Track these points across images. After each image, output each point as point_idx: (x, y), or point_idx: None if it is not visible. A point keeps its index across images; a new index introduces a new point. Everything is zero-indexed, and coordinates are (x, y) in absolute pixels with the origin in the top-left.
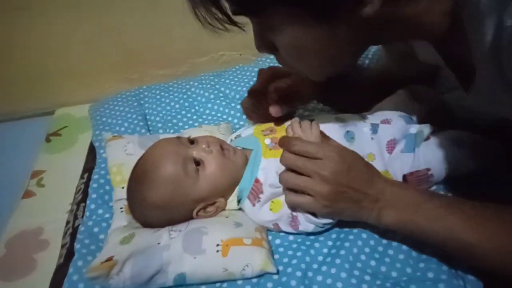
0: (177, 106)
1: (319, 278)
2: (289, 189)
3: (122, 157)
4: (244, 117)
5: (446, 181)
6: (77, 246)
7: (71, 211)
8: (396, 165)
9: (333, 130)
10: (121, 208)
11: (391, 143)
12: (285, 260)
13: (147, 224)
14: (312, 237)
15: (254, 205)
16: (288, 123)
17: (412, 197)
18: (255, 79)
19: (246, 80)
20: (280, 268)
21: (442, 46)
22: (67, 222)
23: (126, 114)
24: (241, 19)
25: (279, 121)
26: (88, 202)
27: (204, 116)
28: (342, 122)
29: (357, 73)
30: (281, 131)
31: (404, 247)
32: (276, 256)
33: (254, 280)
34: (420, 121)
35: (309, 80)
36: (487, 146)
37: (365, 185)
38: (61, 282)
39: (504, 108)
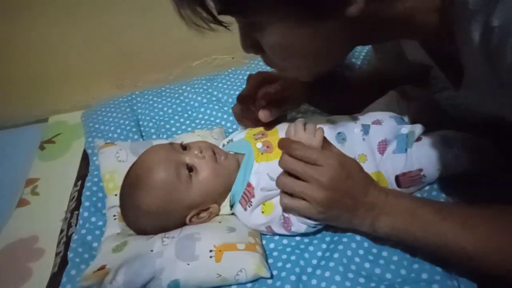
0: (170, 111)
1: (314, 281)
2: (285, 192)
3: (114, 164)
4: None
5: (438, 181)
6: (70, 254)
7: (65, 219)
8: (388, 166)
9: (324, 131)
10: (114, 215)
11: (383, 143)
12: (279, 264)
13: (140, 231)
14: (306, 240)
15: (245, 209)
16: (280, 126)
17: (406, 205)
18: None
19: (239, 83)
20: (274, 272)
21: (430, 45)
22: (61, 231)
23: (119, 121)
24: (227, 19)
25: (269, 125)
26: (81, 210)
27: (197, 121)
28: (333, 123)
29: (348, 74)
30: (272, 134)
31: (398, 249)
32: (270, 261)
33: (248, 285)
34: (412, 122)
35: (298, 83)
36: (479, 145)
37: (360, 194)
38: None
39: (495, 106)
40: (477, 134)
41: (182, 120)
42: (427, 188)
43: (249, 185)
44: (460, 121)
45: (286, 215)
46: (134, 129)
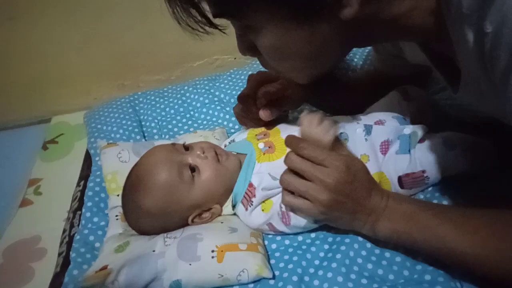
0: (172, 111)
1: (316, 282)
2: (287, 190)
3: (116, 164)
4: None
5: (441, 182)
6: (72, 255)
7: (67, 219)
8: (390, 166)
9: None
10: (116, 215)
11: (385, 144)
12: (281, 265)
13: (142, 231)
14: (308, 241)
15: (246, 209)
16: (282, 126)
17: (406, 208)
18: None
19: (240, 84)
20: (276, 273)
21: (429, 47)
22: (64, 231)
23: (121, 121)
24: (222, 21)
25: (271, 125)
26: (83, 210)
27: (199, 121)
28: (336, 123)
29: (348, 74)
30: (274, 135)
31: (401, 250)
32: (272, 261)
33: (250, 286)
34: (414, 122)
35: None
36: (480, 146)
37: (363, 197)
38: None
39: (492, 107)
40: (476, 133)
41: (184, 120)
42: (430, 189)
43: (250, 185)
44: (460, 121)
45: (284, 209)
46: (136, 130)
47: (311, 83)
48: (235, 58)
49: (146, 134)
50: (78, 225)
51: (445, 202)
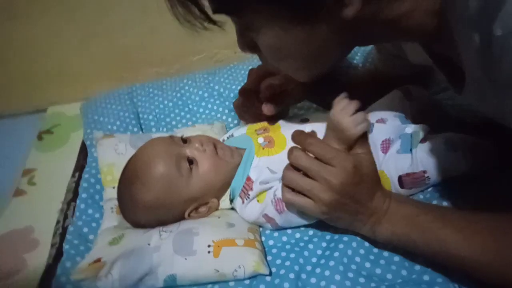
0: (170, 104)
1: (313, 280)
2: (286, 186)
3: (113, 156)
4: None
5: (441, 183)
6: (66, 246)
7: (61, 211)
8: (391, 165)
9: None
10: (111, 208)
11: (386, 142)
12: (278, 261)
13: (137, 224)
14: (306, 238)
15: (243, 202)
16: (282, 121)
17: (407, 211)
18: None
19: (240, 78)
20: (273, 269)
21: (431, 47)
22: (57, 222)
23: (118, 113)
24: (222, 17)
25: (271, 120)
26: (78, 201)
27: (198, 115)
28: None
29: (350, 73)
30: (274, 130)
31: (400, 250)
32: (269, 258)
33: (247, 282)
34: (415, 121)
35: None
36: (481, 147)
37: (367, 199)
38: (50, 283)
39: (494, 111)
40: (476, 134)
41: (182, 114)
42: (430, 189)
43: (248, 179)
44: (461, 121)
45: (277, 196)
46: (133, 122)
47: (312, 81)
48: (235, 53)
49: (143, 127)
50: (72, 216)
51: (445, 203)
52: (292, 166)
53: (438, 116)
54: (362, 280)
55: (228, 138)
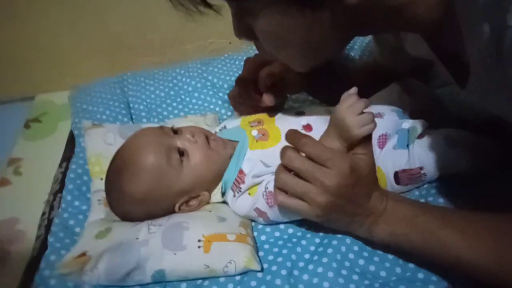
0: (162, 94)
1: (305, 277)
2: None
3: (101, 146)
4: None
5: (438, 180)
6: (50, 239)
7: (47, 202)
8: (387, 161)
9: (323, 122)
10: (99, 200)
11: (383, 137)
12: (270, 257)
13: (125, 217)
14: (299, 234)
15: (234, 195)
16: (277, 114)
17: (405, 211)
18: None
19: (235, 69)
20: (265, 265)
21: (434, 40)
22: (43, 213)
23: (108, 102)
24: (218, 2)
25: (267, 112)
26: (64, 193)
27: (190, 106)
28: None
29: (348, 65)
30: (269, 122)
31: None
32: (261, 253)
33: (237, 278)
34: (413, 116)
35: None
36: (481, 145)
37: (364, 200)
38: (34, 276)
39: (496, 106)
40: (476, 131)
41: (174, 104)
42: (426, 186)
43: (241, 171)
44: (461, 117)
45: (269, 189)
46: (123, 112)
47: (310, 72)
48: (230, 43)
49: (134, 117)
50: (58, 208)
51: (441, 200)
52: (285, 167)
53: (437, 112)
54: (355, 277)
55: (220, 130)
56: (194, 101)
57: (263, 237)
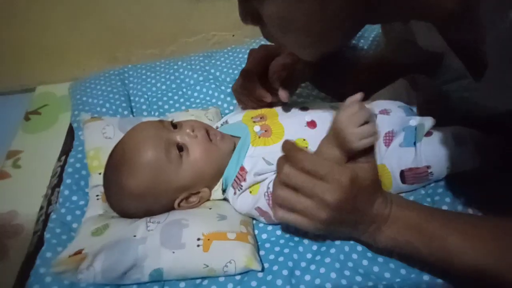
0: (163, 87)
1: (307, 277)
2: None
3: (100, 140)
4: (235, 101)
5: (445, 178)
6: (47, 235)
7: (45, 196)
8: (393, 159)
9: (327, 118)
10: (97, 195)
11: (389, 135)
12: (271, 257)
13: (124, 213)
14: (301, 233)
15: (235, 193)
16: (280, 109)
17: (409, 217)
18: None
19: (238, 62)
20: (266, 265)
21: (448, 30)
22: (41, 208)
23: (108, 94)
24: None
25: (269, 107)
26: (62, 187)
27: (192, 99)
28: (338, 110)
29: (354, 57)
30: (271, 118)
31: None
32: (262, 252)
33: (237, 278)
34: (421, 113)
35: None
36: (488, 144)
37: (366, 208)
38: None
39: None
40: (482, 128)
41: (176, 97)
42: (432, 185)
43: (242, 168)
44: (467, 114)
45: (270, 189)
46: (124, 105)
47: (317, 61)
48: (233, 35)
49: (134, 110)
50: (56, 203)
51: (447, 200)
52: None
53: (443, 108)
54: (359, 278)
55: (222, 124)
56: (195, 94)
57: (264, 236)
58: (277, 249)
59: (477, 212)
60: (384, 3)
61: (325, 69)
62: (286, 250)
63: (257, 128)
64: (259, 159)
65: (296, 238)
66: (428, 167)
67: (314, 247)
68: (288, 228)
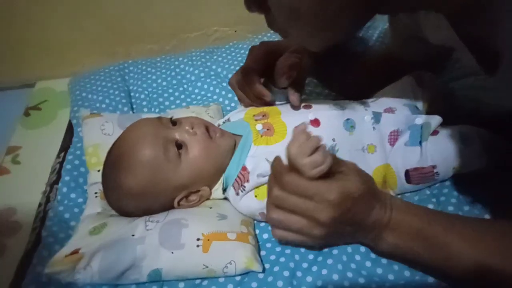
0: (164, 83)
1: (309, 279)
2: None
3: (99, 137)
4: (236, 98)
5: (451, 179)
6: (44, 233)
7: (44, 193)
8: (398, 158)
9: (331, 117)
10: (95, 193)
11: (394, 134)
12: (272, 257)
13: (122, 212)
14: None
15: (237, 194)
16: (283, 107)
17: (412, 222)
18: None
19: (240, 59)
20: (267, 266)
21: (460, 22)
22: (39, 205)
23: (108, 90)
24: None
25: (268, 105)
26: (60, 184)
27: (193, 96)
28: (342, 108)
29: (359, 52)
30: (274, 116)
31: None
32: (263, 253)
33: (238, 279)
34: (427, 112)
35: (307, 51)
36: (497, 143)
37: (363, 217)
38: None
39: None
40: (488, 127)
41: (176, 94)
42: (437, 185)
43: (244, 168)
44: (474, 112)
45: None
46: (124, 101)
47: (322, 52)
48: (235, 31)
49: (134, 106)
50: (55, 200)
51: (453, 200)
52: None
53: (451, 106)
54: (362, 280)
55: (224, 122)
56: (196, 91)
57: (265, 235)
58: (278, 249)
59: (483, 213)
60: None
61: (330, 65)
62: (288, 251)
63: (259, 126)
64: (261, 159)
65: None
66: (433, 167)
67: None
68: None
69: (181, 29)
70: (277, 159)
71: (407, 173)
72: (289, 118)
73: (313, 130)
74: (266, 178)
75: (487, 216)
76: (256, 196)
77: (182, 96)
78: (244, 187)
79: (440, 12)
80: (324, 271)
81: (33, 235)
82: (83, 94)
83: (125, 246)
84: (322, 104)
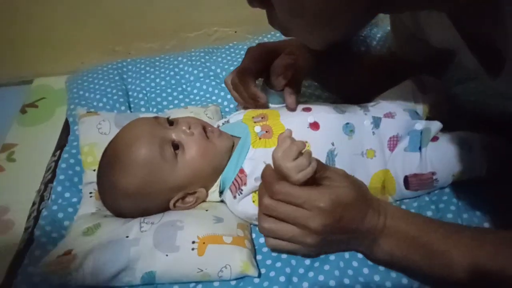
0: (162, 83)
1: (305, 285)
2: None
3: (95, 136)
4: None
5: (450, 185)
6: (37, 233)
7: (38, 191)
8: (397, 164)
9: (330, 121)
10: (90, 192)
11: (394, 139)
12: (269, 262)
13: (117, 213)
14: None
15: (235, 197)
16: (282, 109)
17: (407, 230)
18: None
19: (240, 59)
20: (263, 271)
21: (464, 22)
22: (33, 203)
23: (106, 89)
24: None
25: (263, 107)
26: (55, 183)
27: (192, 96)
28: (341, 112)
29: (360, 51)
30: (273, 118)
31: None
32: (259, 257)
33: (233, 283)
34: (427, 117)
35: (306, 52)
36: (497, 151)
37: (357, 224)
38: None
39: None
40: (490, 131)
41: (175, 94)
42: (437, 191)
43: (241, 171)
44: (476, 117)
45: None
46: (121, 100)
47: (323, 51)
48: (235, 32)
49: (132, 106)
50: (49, 199)
51: (452, 207)
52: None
53: (452, 112)
54: (358, 287)
55: (223, 124)
56: (195, 91)
57: (261, 240)
58: (274, 254)
59: (482, 221)
60: None
61: (331, 64)
62: (284, 256)
63: (257, 128)
64: (259, 162)
65: None
66: (433, 173)
67: None
68: None
69: (180, 29)
70: (267, 168)
71: (406, 179)
72: (288, 120)
73: (312, 134)
74: None
75: (486, 224)
76: (253, 201)
77: (181, 96)
78: (242, 190)
79: (442, 11)
80: (321, 277)
81: (25, 234)
82: (80, 92)
83: (119, 247)
84: (322, 107)
